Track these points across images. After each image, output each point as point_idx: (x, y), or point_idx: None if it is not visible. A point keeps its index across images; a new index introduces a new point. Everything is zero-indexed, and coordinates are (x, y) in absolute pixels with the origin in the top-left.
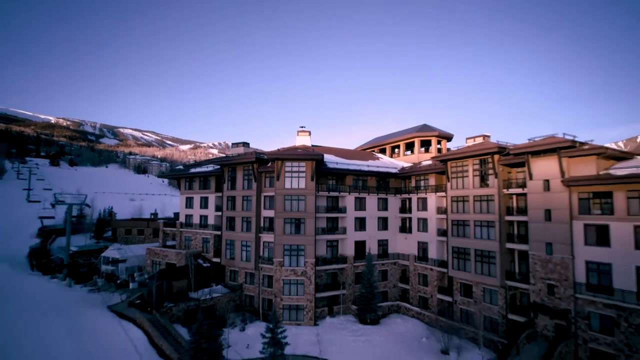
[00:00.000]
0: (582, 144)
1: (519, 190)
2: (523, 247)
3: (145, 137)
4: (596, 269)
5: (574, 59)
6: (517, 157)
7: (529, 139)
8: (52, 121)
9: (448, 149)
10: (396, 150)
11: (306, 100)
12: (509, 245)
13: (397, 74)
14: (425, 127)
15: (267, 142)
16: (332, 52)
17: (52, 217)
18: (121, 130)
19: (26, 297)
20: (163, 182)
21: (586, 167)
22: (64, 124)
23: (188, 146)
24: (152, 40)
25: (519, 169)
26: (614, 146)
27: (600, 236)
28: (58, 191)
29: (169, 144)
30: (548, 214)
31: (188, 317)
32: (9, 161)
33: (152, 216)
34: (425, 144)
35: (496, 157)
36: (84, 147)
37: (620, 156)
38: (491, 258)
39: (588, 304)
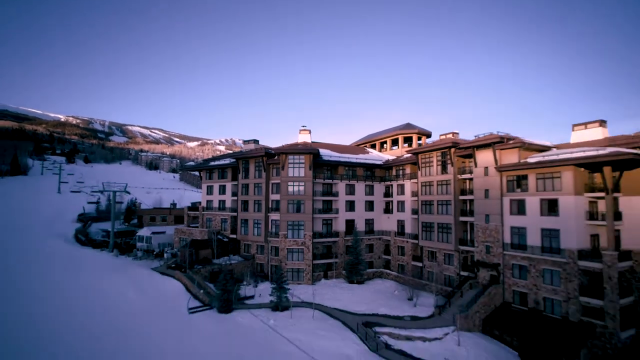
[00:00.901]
0: (509, 139)
1: (469, 176)
2: (471, 219)
3: (153, 134)
4: (517, 232)
5: (578, 53)
6: (466, 150)
7: (475, 136)
8: (62, 119)
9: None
10: (384, 145)
11: (306, 98)
12: (462, 219)
13: (398, 73)
14: (408, 126)
15: (270, 137)
16: (332, 52)
17: (98, 202)
18: (129, 127)
19: (90, 261)
20: (174, 177)
21: (512, 157)
22: (74, 122)
23: (195, 143)
24: (155, 39)
25: (470, 159)
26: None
27: (520, 208)
28: (91, 184)
29: (177, 141)
30: (487, 193)
31: (213, 276)
32: (30, 159)
33: (172, 206)
34: (408, 140)
35: (452, 150)
36: (95, 144)
37: (539, 148)
38: (449, 229)
39: (511, 258)
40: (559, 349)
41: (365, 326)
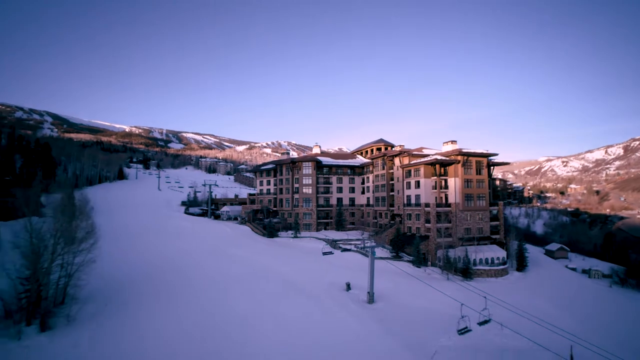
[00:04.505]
0: (405, 151)
1: (392, 171)
2: (394, 193)
3: (205, 140)
4: (408, 197)
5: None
6: (390, 157)
7: (393, 148)
8: (127, 130)
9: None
10: (368, 152)
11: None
12: (391, 193)
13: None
14: (379, 141)
15: (309, 134)
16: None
17: (200, 191)
18: (184, 134)
19: (202, 221)
20: (229, 179)
21: (406, 160)
22: (137, 132)
23: (244, 147)
24: (202, 48)
25: (392, 162)
26: None
27: (409, 185)
28: (180, 184)
29: (227, 145)
30: (398, 179)
31: (264, 226)
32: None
33: (235, 196)
34: (380, 150)
35: (385, 157)
36: (158, 152)
37: (422, 155)
38: (384, 199)
39: (406, 210)
40: (408, 243)
41: (333, 242)
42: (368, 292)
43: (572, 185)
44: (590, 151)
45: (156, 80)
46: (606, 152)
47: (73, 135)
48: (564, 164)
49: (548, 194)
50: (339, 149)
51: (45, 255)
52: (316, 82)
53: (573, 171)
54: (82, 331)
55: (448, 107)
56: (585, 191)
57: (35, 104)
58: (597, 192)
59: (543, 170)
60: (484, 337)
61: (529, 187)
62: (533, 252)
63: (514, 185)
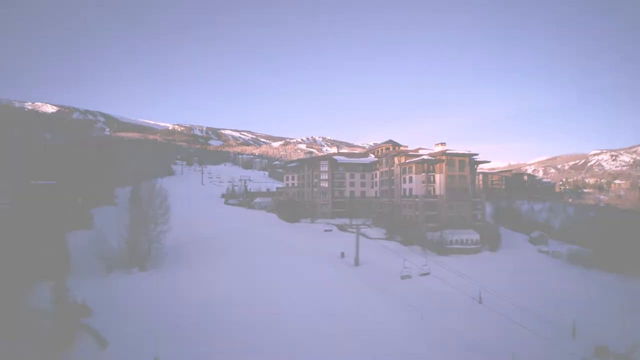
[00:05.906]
0: (402, 152)
1: (393, 168)
2: (394, 186)
3: (243, 136)
4: (404, 190)
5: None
6: (391, 157)
7: (400, 148)
8: (170, 128)
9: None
10: (379, 152)
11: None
12: (392, 187)
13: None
14: (388, 141)
15: (342, 131)
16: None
17: (237, 185)
18: (223, 131)
19: (240, 209)
20: (264, 174)
21: (403, 159)
22: (179, 129)
23: (279, 143)
24: (239, 43)
25: (393, 160)
26: None
27: (405, 180)
28: (222, 179)
29: (263, 141)
30: (397, 175)
31: (288, 214)
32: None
33: (267, 190)
34: (388, 149)
35: (388, 157)
36: (199, 148)
37: (415, 154)
38: (387, 191)
39: (403, 201)
40: (400, 227)
41: (341, 226)
42: (354, 258)
43: (617, 181)
44: None
45: (196, 78)
46: None
47: (123, 134)
48: (613, 158)
49: (586, 190)
50: (374, 143)
51: (139, 225)
52: (351, 78)
53: (623, 165)
54: (165, 272)
55: (482, 103)
56: (629, 187)
57: (87, 105)
58: None
59: (589, 164)
60: (426, 286)
61: (560, 183)
62: (519, 238)
63: (544, 180)
